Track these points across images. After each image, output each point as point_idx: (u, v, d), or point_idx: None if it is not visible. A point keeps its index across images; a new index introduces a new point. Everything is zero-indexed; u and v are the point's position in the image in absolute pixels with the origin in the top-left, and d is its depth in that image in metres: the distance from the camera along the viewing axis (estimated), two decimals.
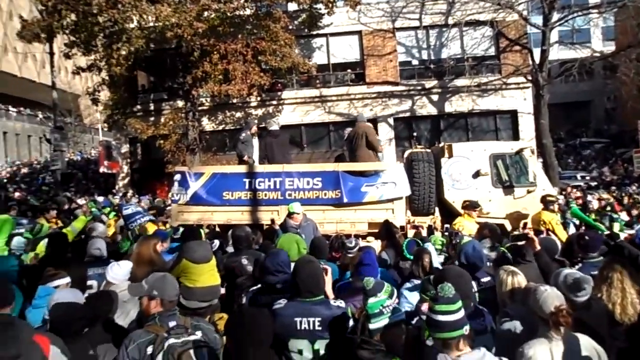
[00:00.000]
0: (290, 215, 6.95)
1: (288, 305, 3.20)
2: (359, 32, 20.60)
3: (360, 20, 20.34)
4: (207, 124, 20.41)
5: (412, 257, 4.52)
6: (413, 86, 20.63)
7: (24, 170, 34.91)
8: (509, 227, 7.81)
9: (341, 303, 3.27)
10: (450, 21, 19.86)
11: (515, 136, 19.91)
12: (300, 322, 3.08)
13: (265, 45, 16.81)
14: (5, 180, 30.04)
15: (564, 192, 15.64)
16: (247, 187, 8.26)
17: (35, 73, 54.63)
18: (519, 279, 3.64)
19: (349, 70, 20.96)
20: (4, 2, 51.54)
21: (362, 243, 5.97)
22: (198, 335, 2.91)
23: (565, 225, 8.46)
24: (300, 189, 8.11)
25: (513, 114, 20.40)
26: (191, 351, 2.75)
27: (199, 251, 3.70)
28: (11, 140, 47.11)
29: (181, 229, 7.15)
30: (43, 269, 4.51)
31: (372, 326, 2.65)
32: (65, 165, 23.35)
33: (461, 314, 2.50)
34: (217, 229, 7.96)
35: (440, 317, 2.47)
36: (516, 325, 3.26)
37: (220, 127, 20.56)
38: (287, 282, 3.58)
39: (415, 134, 20.41)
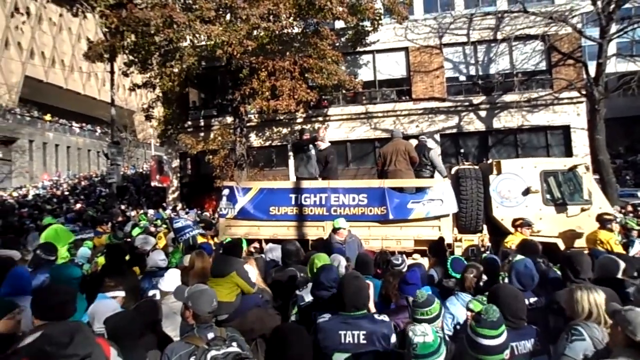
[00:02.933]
0: (335, 230, 6.99)
1: (332, 319, 3.22)
2: (406, 49, 20.62)
3: (407, 36, 20.37)
4: (255, 140, 20.87)
5: (457, 275, 4.45)
6: (460, 102, 20.37)
7: (84, 182, 36.63)
8: (562, 246, 7.55)
9: (385, 317, 3.28)
10: (499, 36, 19.57)
11: (568, 152, 19.24)
12: (345, 336, 3.10)
13: (312, 62, 17.09)
14: (67, 193, 31.63)
15: (623, 210, 14.93)
16: (293, 202, 8.40)
17: (96, 91, 57.71)
18: (596, 297, 3.32)
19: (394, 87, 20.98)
20: (74, 25, 54.84)
21: (408, 261, 5.93)
22: (234, 346, 2.97)
23: (627, 245, 8.05)
24: (346, 205, 8.16)
25: (565, 130, 19.75)
26: None
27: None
28: (73, 154, 49.71)
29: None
30: (102, 278, 4.75)
31: None
32: (120, 179, 24.38)
33: (503, 338, 2.46)
34: (264, 243, 8.12)
35: (483, 341, 2.45)
36: (587, 347, 3.00)
37: (267, 143, 20.97)
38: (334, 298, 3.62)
39: (462, 150, 20.10)
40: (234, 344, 2.97)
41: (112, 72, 23.22)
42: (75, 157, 49.94)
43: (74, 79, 55.82)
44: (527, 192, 8.14)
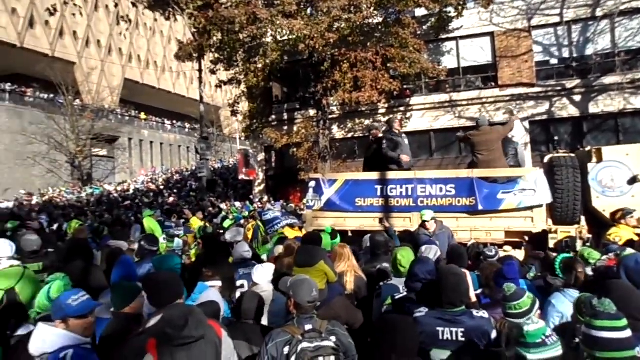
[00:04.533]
0: (423, 223, 6.91)
1: (430, 314, 3.18)
2: (491, 34, 19.71)
3: (492, 21, 19.48)
4: (337, 132, 21.01)
5: (561, 275, 4.21)
6: (551, 87, 19.16)
7: (176, 176, 38.89)
8: None
9: (484, 313, 3.18)
10: (599, 13, 18.13)
11: None
12: (443, 332, 3.05)
13: (394, 52, 16.89)
14: (162, 187, 33.79)
15: None
16: (378, 193, 8.39)
17: (185, 89, 61.03)
18: None
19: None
20: (165, 28, 58.36)
21: (501, 253, 5.72)
22: (332, 340, 2.92)
23: None
24: (433, 195, 8.02)
25: None
26: (321, 359, 2.81)
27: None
28: (166, 150, 52.98)
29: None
30: (200, 268, 5.04)
31: (531, 357, 2.40)
32: (209, 173, 25.64)
33: (629, 332, 2.22)
34: (350, 234, 8.20)
35: (604, 334, 2.21)
36: None
37: (350, 135, 21.04)
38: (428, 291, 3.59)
39: (556, 138, 18.92)
40: (333, 338, 2.94)
41: (200, 71, 24.47)
42: (167, 153, 53.17)
43: (165, 78, 59.40)
44: (633, 180, 7.53)
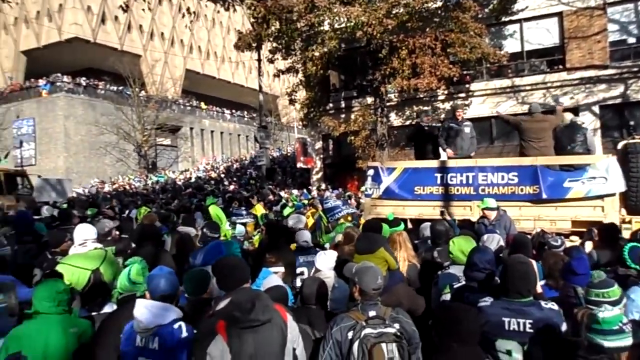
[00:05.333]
0: (483, 210, 6.79)
1: (495, 304, 3.13)
2: (559, 14, 18.71)
3: (561, 0, 18.50)
4: (395, 119, 20.80)
5: (633, 265, 4.02)
6: (627, 68, 18.00)
7: (236, 165, 39.94)
8: None
9: (553, 305, 3.10)
10: None
11: None
12: (509, 323, 3.00)
13: (454, 36, 16.45)
14: (222, 175, 34.84)
15: None
16: (438, 182, 8.30)
17: (244, 78, 62.30)
18: None
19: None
20: (224, 19, 59.81)
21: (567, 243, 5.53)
22: (395, 327, 2.94)
23: None
24: (494, 184, 7.84)
25: None
26: (383, 345, 2.83)
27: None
28: (226, 139, 54.48)
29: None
30: (262, 255, 5.21)
31: (608, 344, 2.34)
32: (269, 161, 26.14)
33: None
34: (409, 223, 8.17)
35: None
36: None
37: (408, 122, 20.75)
38: (489, 280, 3.56)
39: (632, 123, 17.79)
40: (396, 325, 2.96)
41: (259, 60, 24.87)
42: (227, 142, 54.64)
43: (224, 69, 60.86)
44: None
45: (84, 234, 5.27)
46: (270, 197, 16.97)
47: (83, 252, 4.97)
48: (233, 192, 22.63)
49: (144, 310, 3.00)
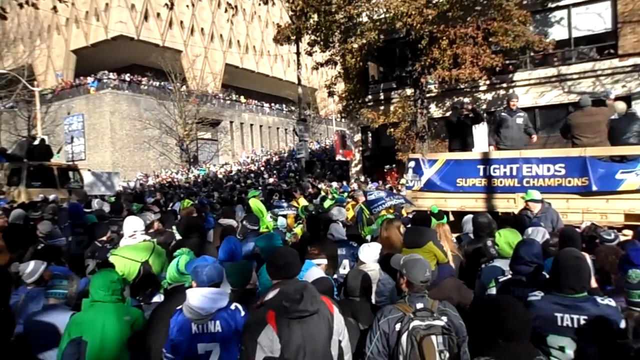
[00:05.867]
0: (527, 203, 6.63)
1: (546, 298, 3.04)
2: None
3: None
4: (435, 111, 20.49)
5: None
6: None
7: (275, 158, 40.34)
8: None
9: (610, 301, 2.97)
10: None
11: None
12: (562, 319, 2.92)
13: (496, 25, 15.99)
14: (262, 168, 35.28)
15: None
16: (481, 174, 8.16)
17: (282, 72, 62.68)
18: None
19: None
20: (262, 13, 60.27)
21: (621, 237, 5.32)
22: (443, 320, 2.91)
23: None
24: (540, 176, 7.63)
25: None
26: (433, 337, 2.81)
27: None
28: (265, 132, 55.05)
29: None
30: (304, 247, 5.26)
31: None
32: (308, 154, 26.28)
33: None
34: (451, 216, 8.07)
35: None
36: None
37: (448, 114, 20.41)
38: (536, 274, 3.48)
39: None
40: (444, 318, 2.94)
41: (297, 53, 24.94)
42: (266, 135, 55.19)
43: (263, 62, 61.36)
44: None
45: (133, 225, 5.48)
46: (310, 189, 17.06)
47: (133, 244, 5.18)
48: (273, 185, 22.88)
49: (201, 297, 3.13)
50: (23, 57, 36.80)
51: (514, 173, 7.82)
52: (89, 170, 21.00)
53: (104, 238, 6.06)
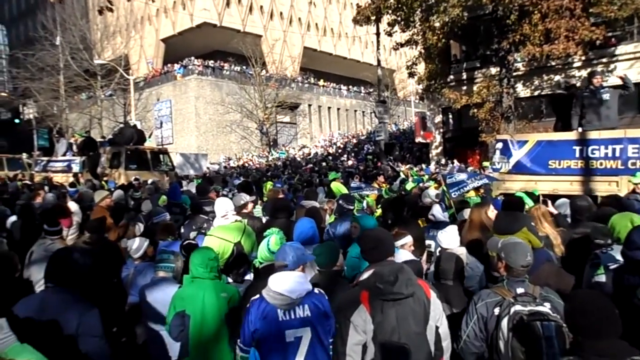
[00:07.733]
0: (635, 185, 6.14)
1: None
2: None
3: None
4: (522, 90, 19.43)
5: None
6: None
7: (353, 140, 40.29)
8: None
9: None
10: None
11: None
12: None
13: None
14: (340, 151, 35.41)
15: None
16: (577, 155, 7.66)
17: (360, 54, 62.17)
18: None
19: None
20: None
21: None
22: (546, 307, 2.78)
23: None
24: None
25: None
26: (537, 323, 2.68)
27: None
28: (342, 115, 55.08)
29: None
30: (388, 229, 5.21)
31: None
32: (387, 136, 25.99)
33: None
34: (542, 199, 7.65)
35: None
36: None
37: (536, 93, 19.28)
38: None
39: None
40: (547, 304, 2.80)
41: (377, 34, 24.58)
42: (344, 118, 55.16)
43: (341, 44, 61.10)
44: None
45: (225, 206, 5.70)
46: (390, 172, 16.90)
47: (225, 225, 5.39)
48: (352, 167, 22.91)
49: (290, 282, 3.03)
50: (120, 47, 39.33)
51: (617, 154, 7.26)
52: (178, 152, 22.17)
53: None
